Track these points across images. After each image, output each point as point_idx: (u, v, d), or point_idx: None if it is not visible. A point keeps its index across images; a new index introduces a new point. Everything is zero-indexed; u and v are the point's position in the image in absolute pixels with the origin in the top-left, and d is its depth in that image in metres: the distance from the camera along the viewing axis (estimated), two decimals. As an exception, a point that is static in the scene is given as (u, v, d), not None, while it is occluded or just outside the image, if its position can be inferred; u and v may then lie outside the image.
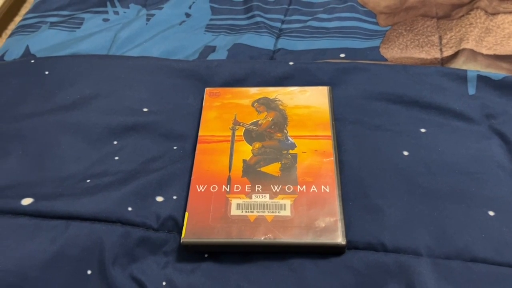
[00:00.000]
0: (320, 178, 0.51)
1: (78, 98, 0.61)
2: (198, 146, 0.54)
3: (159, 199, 0.51)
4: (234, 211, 0.48)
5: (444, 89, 0.59)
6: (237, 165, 0.52)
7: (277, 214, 0.48)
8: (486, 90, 0.58)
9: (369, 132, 0.55)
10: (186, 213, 0.48)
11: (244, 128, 0.56)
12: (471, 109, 0.56)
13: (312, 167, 0.52)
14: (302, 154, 0.53)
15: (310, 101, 0.58)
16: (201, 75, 0.63)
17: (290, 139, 0.55)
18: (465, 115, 0.56)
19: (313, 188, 0.50)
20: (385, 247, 0.46)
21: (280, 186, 0.50)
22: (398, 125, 0.56)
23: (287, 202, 0.49)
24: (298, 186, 0.50)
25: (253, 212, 0.48)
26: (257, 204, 0.49)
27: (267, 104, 0.58)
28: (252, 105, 0.59)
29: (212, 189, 0.50)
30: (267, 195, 0.49)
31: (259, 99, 0.59)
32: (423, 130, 0.55)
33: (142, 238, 0.48)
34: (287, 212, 0.48)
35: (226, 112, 0.58)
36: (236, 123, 0.57)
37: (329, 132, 0.55)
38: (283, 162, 0.52)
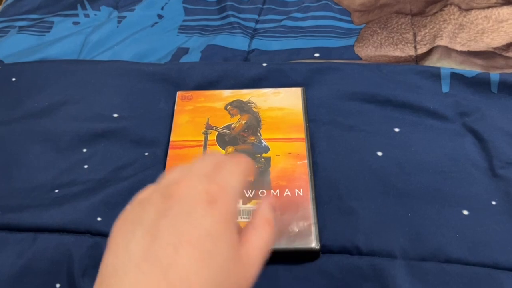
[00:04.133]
0: (294, 181, 0.49)
1: (47, 105, 0.59)
2: (169, 152, 0.53)
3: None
4: None
5: (418, 87, 0.58)
6: None
7: (250, 220, 0.46)
8: (459, 87, 0.58)
9: (343, 132, 0.55)
10: None
11: (217, 132, 0.55)
12: (444, 107, 0.56)
13: (285, 170, 0.51)
14: (276, 158, 0.52)
15: (284, 103, 0.57)
16: (172, 79, 0.62)
17: (264, 142, 0.54)
18: (439, 113, 0.56)
19: (287, 192, 0.49)
20: (359, 250, 0.45)
21: (254, 191, 0.49)
22: (372, 125, 0.55)
23: None
24: (272, 191, 0.49)
25: None
26: None
27: (240, 107, 0.57)
28: (225, 108, 0.57)
29: None
30: (240, 201, 0.48)
31: (232, 102, 0.58)
32: (396, 129, 0.55)
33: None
34: None
35: (198, 116, 0.57)
36: (209, 127, 0.55)
37: (302, 134, 0.54)
38: (256, 166, 0.51)
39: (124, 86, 0.61)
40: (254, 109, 0.57)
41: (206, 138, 0.54)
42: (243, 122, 0.56)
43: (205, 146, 0.53)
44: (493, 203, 0.48)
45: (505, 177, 0.50)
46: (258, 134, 0.54)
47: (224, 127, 0.55)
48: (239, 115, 0.57)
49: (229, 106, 0.58)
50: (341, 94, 0.58)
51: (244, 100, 0.58)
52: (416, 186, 0.50)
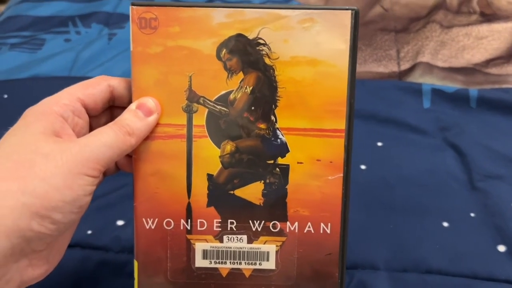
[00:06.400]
0: (321, 210, 0.34)
1: (38, 121, 0.61)
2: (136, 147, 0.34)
3: (120, 222, 0.51)
4: (199, 262, 0.35)
5: (400, 103, 0.60)
6: (200, 185, 0.33)
7: (257, 267, 0.35)
8: (440, 103, 0.60)
9: (328, 147, 0.56)
10: (135, 262, 0.34)
11: (207, 110, 0.33)
12: (426, 122, 0.58)
13: (309, 190, 0.34)
14: (297, 167, 0.34)
15: (320, 49, 0.32)
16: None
17: (281, 135, 0.33)
18: (420, 128, 0.58)
19: (309, 226, 0.34)
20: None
21: (263, 222, 0.34)
22: (356, 139, 0.57)
23: (271, 249, 0.35)
24: (288, 224, 0.34)
25: (225, 263, 0.35)
26: (230, 251, 0.35)
27: (243, 54, 0.32)
28: (218, 56, 0.32)
29: (166, 225, 0.34)
30: (244, 237, 0.35)
31: (230, 40, 0.32)
32: (380, 143, 0.56)
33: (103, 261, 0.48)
34: (270, 264, 0.35)
35: (173, 69, 0.32)
36: (194, 97, 0.32)
37: (342, 123, 0.34)
38: (267, 181, 0.34)
39: (115, 102, 0.63)
40: (267, 60, 0.32)
41: (190, 120, 0.33)
42: (249, 90, 0.33)
43: (189, 139, 0.33)
44: (472, 215, 0.50)
45: (483, 190, 0.51)
46: (272, 117, 0.33)
47: (218, 98, 0.33)
48: (241, 72, 0.32)
49: (224, 51, 0.32)
50: (326, 109, 0.60)
51: (251, 36, 0.32)
52: (398, 199, 0.51)
